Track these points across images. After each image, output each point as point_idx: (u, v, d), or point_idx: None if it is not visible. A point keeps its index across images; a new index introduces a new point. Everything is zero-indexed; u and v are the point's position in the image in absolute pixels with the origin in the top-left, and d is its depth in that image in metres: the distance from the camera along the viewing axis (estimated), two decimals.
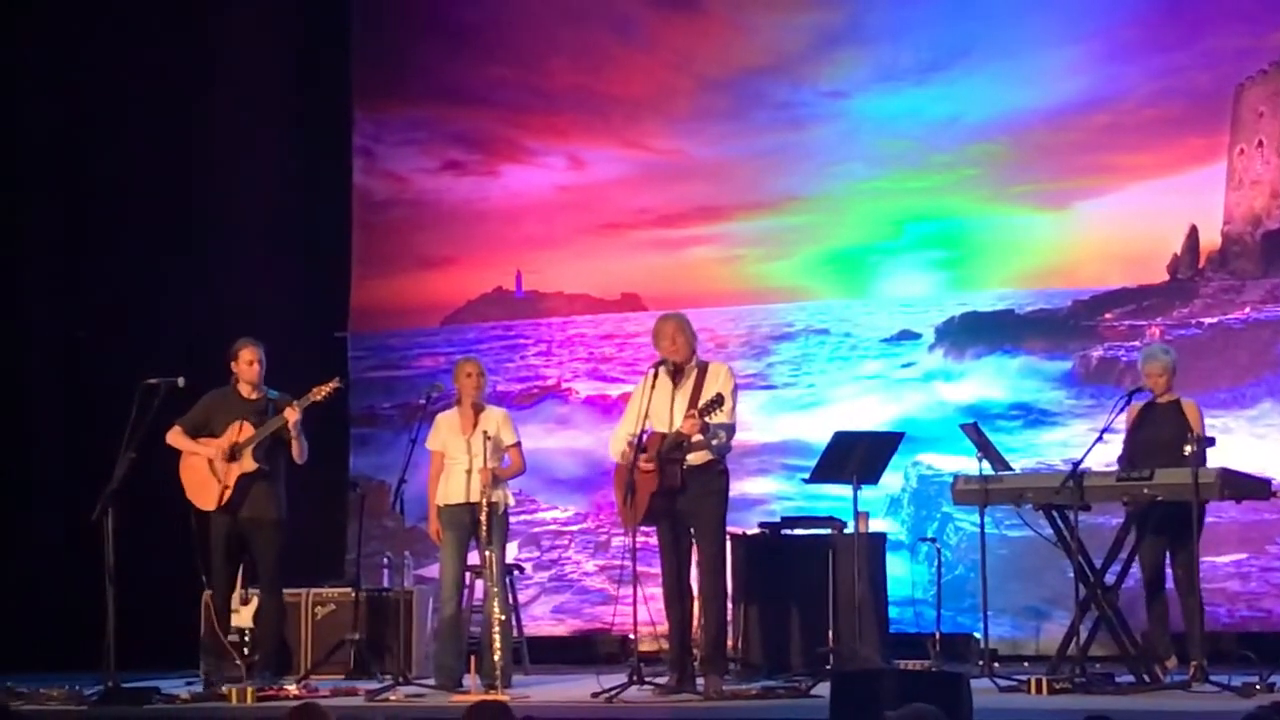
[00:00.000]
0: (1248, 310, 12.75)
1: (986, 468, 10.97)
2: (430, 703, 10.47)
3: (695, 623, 10.54)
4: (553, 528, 14.06)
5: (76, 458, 13.62)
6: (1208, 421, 10.95)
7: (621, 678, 10.33)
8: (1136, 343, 12.70)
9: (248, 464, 11.21)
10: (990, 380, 13.28)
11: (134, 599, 11.03)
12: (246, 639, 11.96)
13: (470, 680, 10.84)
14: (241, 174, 14.27)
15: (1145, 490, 10.36)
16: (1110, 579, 10.78)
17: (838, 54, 13.82)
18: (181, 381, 11.15)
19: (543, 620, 13.80)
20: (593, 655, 12.97)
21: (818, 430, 12.82)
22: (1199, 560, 10.53)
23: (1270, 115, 12.76)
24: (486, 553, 10.86)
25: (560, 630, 13.83)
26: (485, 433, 10.96)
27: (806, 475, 11.94)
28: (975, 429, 11.16)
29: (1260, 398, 12.56)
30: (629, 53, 14.39)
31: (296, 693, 10.86)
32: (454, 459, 11.15)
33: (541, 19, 14.54)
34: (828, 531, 11.89)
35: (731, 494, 10.68)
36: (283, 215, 14.40)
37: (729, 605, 11.03)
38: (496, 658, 10.56)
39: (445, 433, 11.25)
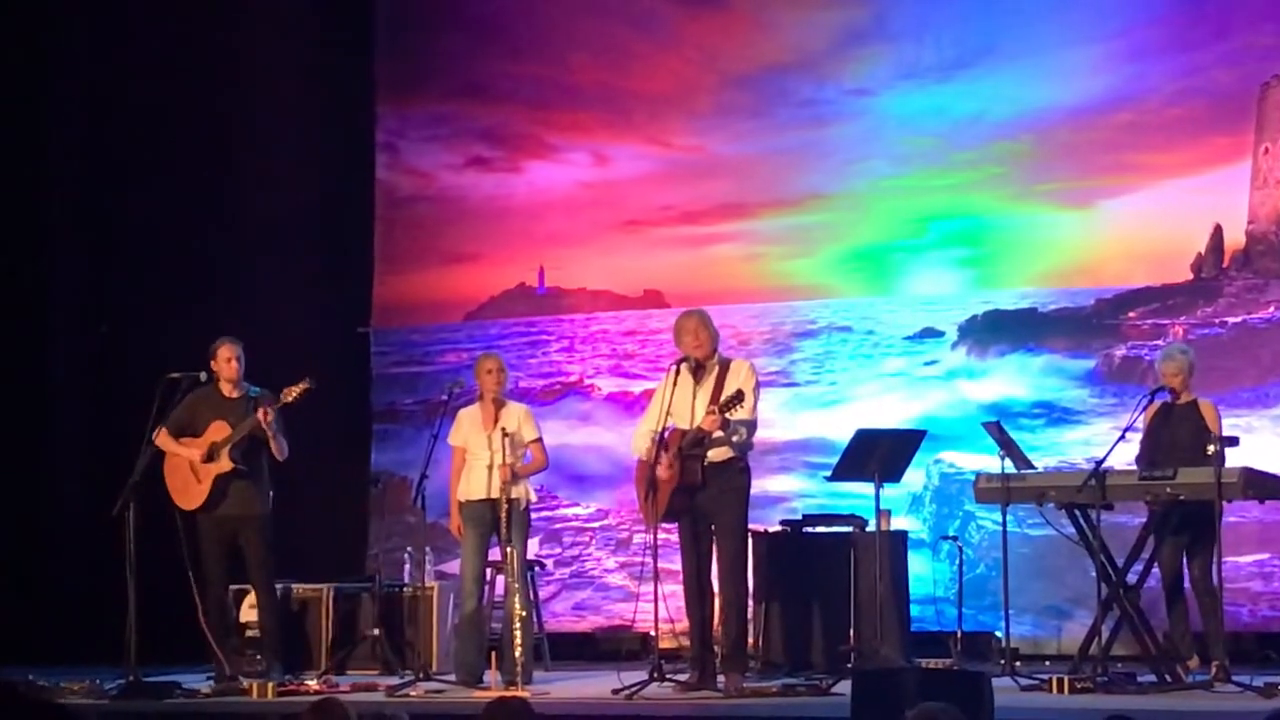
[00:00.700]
0: (1272, 310, 12.71)
1: (1009, 466, 10.94)
2: (450, 698, 10.47)
3: (716, 620, 10.53)
4: (574, 524, 14.06)
5: (98, 452, 13.65)
6: (1231, 421, 10.94)
7: (642, 675, 10.32)
8: (1160, 341, 12.66)
9: (224, 464, 11.24)
10: (1013, 378, 13.25)
11: (155, 593, 11.04)
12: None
13: (491, 676, 10.84)
14: (265, 169, 14.28)
15: (1168, 490, 10.33)
16: (1132, 578, 10.75)
17: (862, 51, 13.80)
18: (203, 376, 11.19)
19: (564, 617, 13.80)
20: (613, 652, 12.96)
21: (840, 428, 12.81)
22: (1221, 560, 10.50)
23: None
24: (508, 549, 10.86)
25: (581, 627, 13.82)
26: (504, 429, 10.96)
27: (828, 473, 11.93)
28: (998, 427, 11.13)
29: None
30: (653, 49, 14.38)
31: (317, 688, 10.87)
32: (475, 455, 11.14)
33: (565, 15, 14.54)
34: (849, 529, 11.88)
35: (753, 491, 10.67)
36: (306, 210, 14.42)
37: (750, 603, 11.02)
38: (517, 654, 10.56)
39: (467, 428, 11.24)
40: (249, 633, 12.02)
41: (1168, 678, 10.31)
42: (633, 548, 13.58)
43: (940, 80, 13.54)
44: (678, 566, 10.62)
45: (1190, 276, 12.92)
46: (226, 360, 11.42)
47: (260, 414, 11.14)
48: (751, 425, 10.46)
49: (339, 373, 14.39)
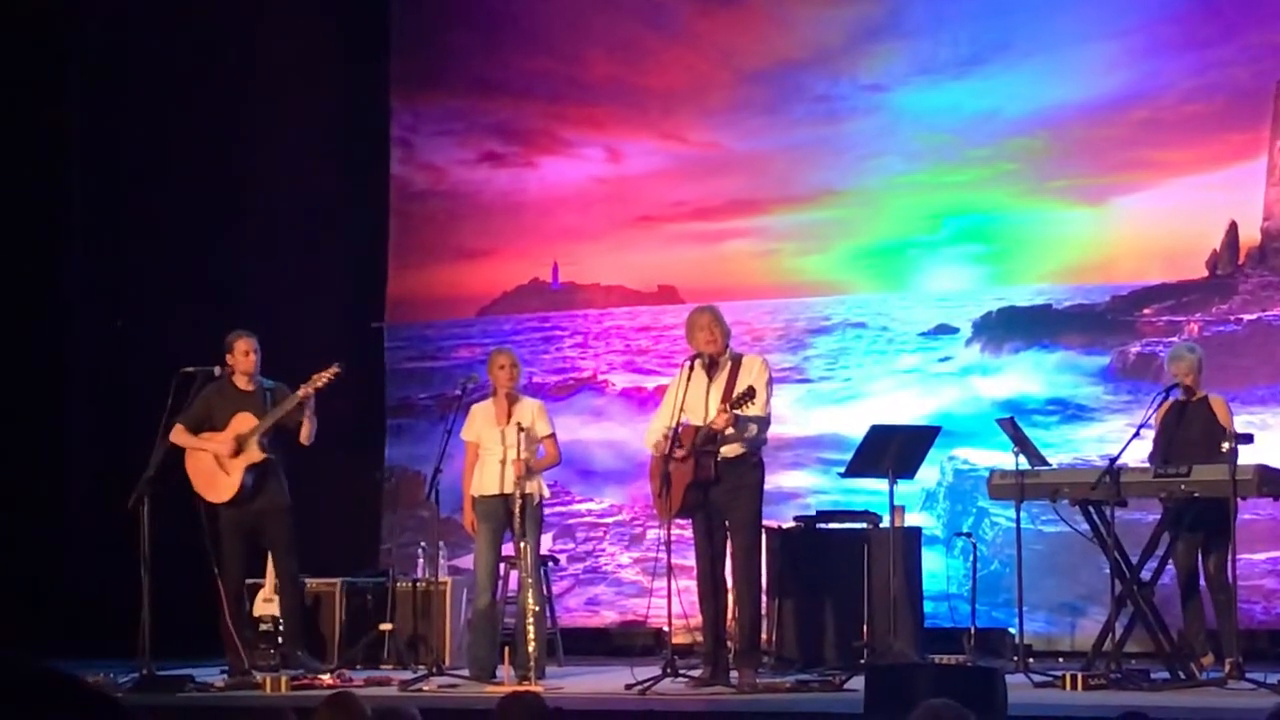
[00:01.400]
0: None
1: (1023, 462, 10.93)
2: (464, 693, 10.47)
3: (730, 616, 10.54)
4: (588, 519, 14.06)
5: (113, 446, 13.67)
6: (1246, 418, 10.93)
7: (655, 670, 10.31)
8: (1175, 338, 12.65)
9: (255, 454, 11.30)
10: (1027, 375, 13.24)
11: (169, 587, 11.05)
12: (281, 628, 11.98)
13: (504, 671, 10.84)
14: (279, 164, 14.29)
15: (1183, 486, 10.32)
16: (1146, 575, 10.74)
17: (877, 47, 13.80)
18: (218, 370, 11.21)
19: (577, 612, 13.81)
20: (627, 647, 12.96)
21: (854, 424, 12.79)
22: (1235, 557, 10.49)
23: None
24: (521, 544, 10.87)
25: (594, 622, 13.83)
26: (519, 424, 10.97)
27: (842, 469, 11.93)
28: (1012, 424, 11.13)
29: None
30: (667, 45, 14.37)
31: (330, 682, 10.88)
32: (488, 450, 11.15)
33: (579, 10, 14.54)
34: (863, 525, 11.88)
35: (767, 487, 10.67)
36: (320, 205, 14.43)
37: (763, 598, 11.02)
38: (530, 649, 10.56)
39: (480, 424, 11.25)
40: (262, 626, 12.03)
41: (1181, 675, 10.30)
42: (646, 543, 13.58)
43: (955, 76, 13.53)
44: (691, 562, 10.63)
45: (1205, 273, 12.90)
46: (244, 353, 11.46)
47: (302, 392, 11.20)
48: (764, 421, 10.45)
49: (353, 367, 14.38)
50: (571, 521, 14.03)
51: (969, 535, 12.41)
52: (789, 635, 11.78)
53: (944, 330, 13.57)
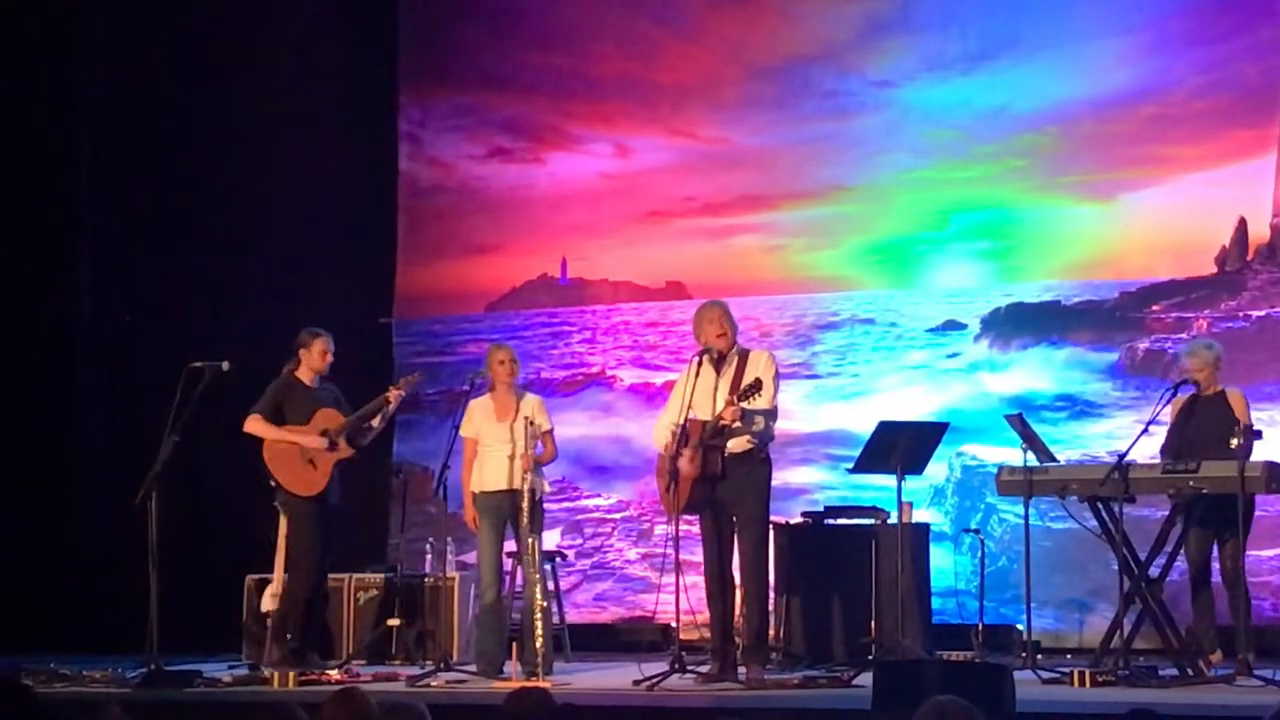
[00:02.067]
0: None
1: (1031, 459, 10.92)
2: (471, 689, 10.46)
3: (737, 612, 10.53)
4: (595, 515, 14.06)
5: (121, 441, 13.67)
6: (1255, 414, 10.89)
7: (663, 666, 10.30)
8: (1184, 335, 12.65)
9: (345, 451, 11.50)
10: (1036, 371, 13.24)
11: (177, 582, 11.05)
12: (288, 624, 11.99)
13: (511, 667, 10.83)
14: (288, 159, 14.29)
15: (1191, 483, 10.30)
16: (1155, 572, 10.73)
17: (886, 43, 13.79)
18: (226, 365, 11.18)
19: (585, 608, 13.80)
20: (634, 643, 12.95)
21: (862, 420, 12.79)
22: (1245, 554, 10.48)
23: None
24: (529, 540, 10.87)
25: (602, 618, 13.83)
26: (527, 418, 10.97)
27: (850, 465, 11.92)
28: (1020, 420, 11.12)
29: None
30: (676, 40, 14.37)
31: (338, 677, 10.88)
32: (490, 445, 11.15)
33: (588, 6, 14.54)
34: (871, 522, 11.88)
35: (775, 483, 10.65)
36: (329, 201, 14.44)
37: (771, 594, 11.01)
38: (538, 644, 10.56)
39: (479, 419, 11.23)
40: (270, 622, 12.03)
41: (1190, 672, 10.28)
42: (654, 539, 13.58)
43: (964, 72, 13.53)
44: (699, 558, 10.62)
45: (1214, 270, 12.89)
46: (322, 353, 11.62)
47: (392, 395, 11.40)
48: (771, 414, 10.44)
49: (361, 363, 14.39)
50: (579, 517, 14.02)
51: (977, 531, 12.39)
52: (797, 631, 11.78)
53: (952, 326, 13.56)
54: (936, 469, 12.46)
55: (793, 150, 13.97)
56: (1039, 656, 11.02)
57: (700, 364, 10.43)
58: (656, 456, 10.69)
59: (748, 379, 10.26)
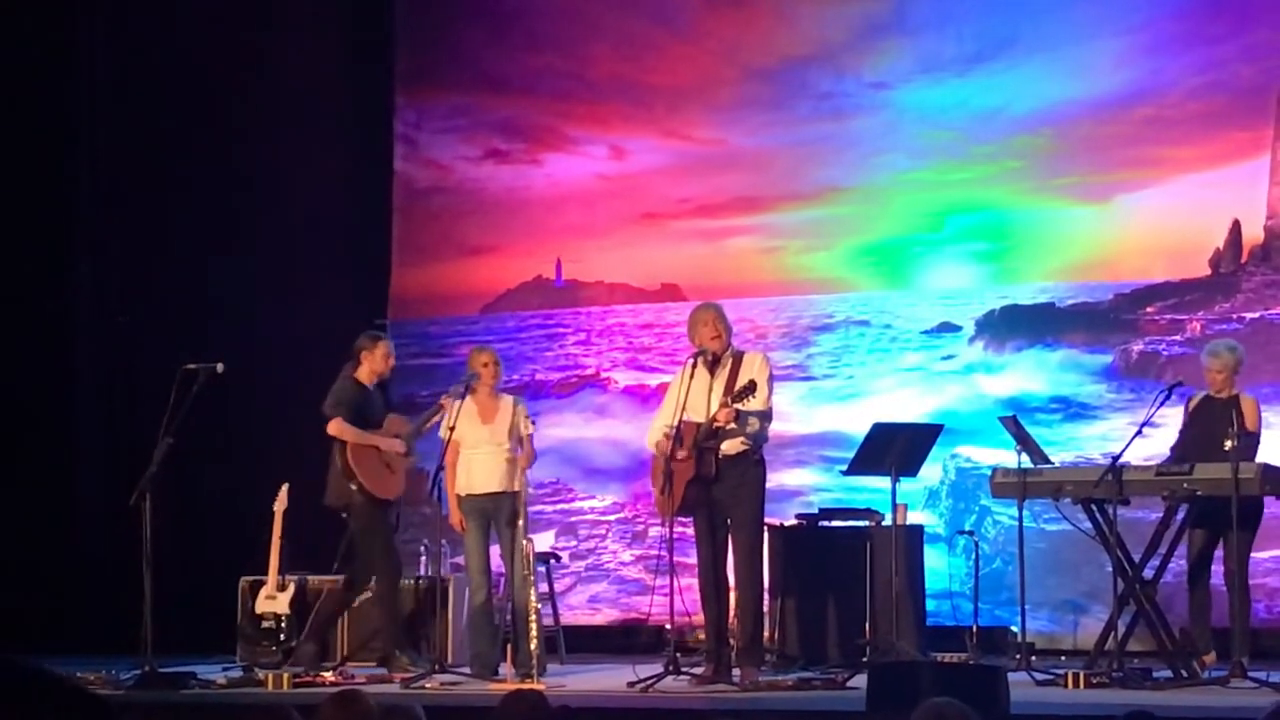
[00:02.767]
0: None
1: (1025, 461, 10.93)
2: (466, 690, 10.47)
3: (732, 613, 10.54)
4: (590, 517, 14.06)
5: (117, 442, 13.67)
6: None
7: (658, 668, 10.31)
8: (1178, 337, 12.66)
9: (412, 457, 11.66)
10: (1030, 373, 13.24)
11: (172, 583, 11.05)
12: (282, 625, 12.00)
13: (506, 668, 10.84)
14: (284, 160, 14.29)
15: (1185, 485, 10.31)
16: (1149, 573, 10.74)
17: (881, 44, 13.79)
18: (221, 367, 11.18)
19: (579, 610, 13.80)
20: (629, 645, 12.95)
21: (857, 422, 12.79)
22: (1246, 555, 10.48)
23: None
24: (524, 541, 10.87)
25: (597, 620, 13.82)
26: (518, 422, 11.00)
27: (845, 467, 11.93)
28: (1014, 422, 11.13)
29: None
30: (672, 41, 14.37)
31: (333, 679, 10.88)
32: (474, 448, 11.11)
33: (584, 7, 14.54)
34: (865, 523, 11.88)
35: (769, 485, 10.66)
36: (324, 202, 14.43)
37: (766, 596, 11.02)
38: (532, 646, 10.56)
39: (462, 422, 11.17)
40: (264, 624, 12.04)
41: (1184, 673, 10.29)
42: (648, 541, 13.58)
43: (960, 74, 13.53)
44: (693, 560, 10.62)
45: (1208, 272, 12.89)
46: (385, 355, 11.71)
47: (446, 401, 11.42)
48: (765, 416, 10.45)
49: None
50: (574, 519, 14.02)
51: (971, 533, 12.41)
52: (791, 633, 11.78)
53: (947, 328, 13.56)
54: (931, 471, 12.46)
55: (788, 152, 13.98)
56: (1033, 658, 11.03)
57: (695, 366, 10.43)
58: (651, 458, 10.69)
59: (742, 381, 10.26)
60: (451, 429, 11.07)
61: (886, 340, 13.74)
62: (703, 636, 10.78)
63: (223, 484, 13.32)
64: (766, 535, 11.08)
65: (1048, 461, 11.11)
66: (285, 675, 10.79)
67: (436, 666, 11.00)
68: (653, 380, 13.93)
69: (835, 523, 12.09)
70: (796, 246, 14.06)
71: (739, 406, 10.18)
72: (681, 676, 10.26)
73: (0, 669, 3.43)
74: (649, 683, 10.13)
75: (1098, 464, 11.06)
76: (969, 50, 13.54)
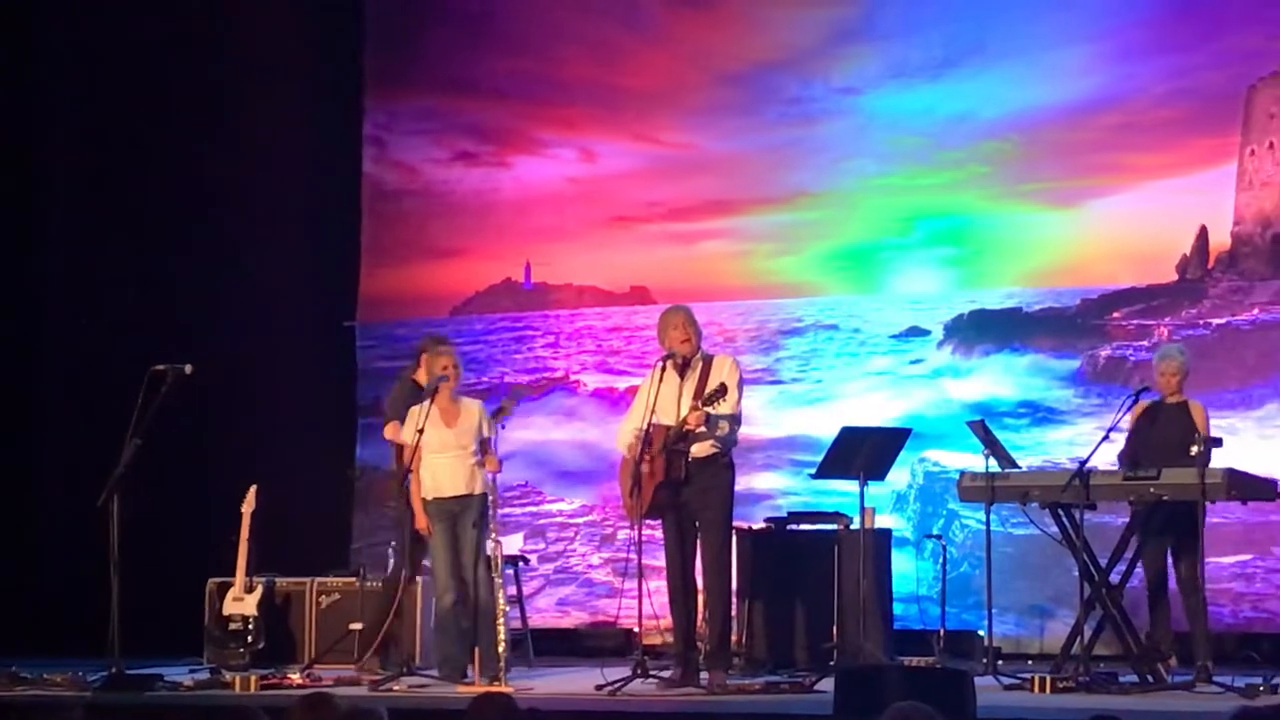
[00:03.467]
0: (1256, 311, 12.73)
1: (993, 465, 10.96)
2: (435, 693, 10.46)
3: (700, 617, 10.54)
4: (559, 520, 14.06)
5: (83, 443, 13.63)
6: (1215, 422, 10.97)
7: (626, 671, 10.32)
8: (1145, 342, 12.70)
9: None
10: (998, 378, 13.27)
11: (139, 585, 11.03)
12: (250, 627, 12.00)
13: (473, 670, 10.83)
14: (252, 162, 14.26)
15: (1151, 490, 10.35)
16: (1115, 578, 10.77)
17: (850, 50, 13.81)
18: (189, 369, 11.15)
19: (547, 613, 13.79)
20: (597, 648, 12.95)
21: (825, 426, 12.81)
22: (1204, 561, 10.52)
23: None
24: (491, 545, 10.86)
25: (565, 623, 13.82)
26: (480, 423, 10.99)
27: (813, 470, 11.94)
28: (982, 426, 11.15)
29: (1267, 399, 12.55)
30: (642, 45, 14.38)
31: (300, 681, 10.87)
32: (437, 451, 11.04)
33: (554, 10, 14.53)
34: (833, 527, 11.90)
35: (738, 488, 10.67)
36: (293, 203, 14.40)
37: (734, 600, 11.03)
38: (500, 649, 10.56)
39: (427, 426, 11.08)
40: (232, 626, 12.03)
41: (1149, 678, 10.33)
42: (617, 544, 13.58)
43: (928, 79, 13.56)
44: (662, 563, 10.63)
45: (1176, 277, 12.94)
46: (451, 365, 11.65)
47: (508, 405, 11.50)
48: (735, 419, 10.46)
49: (325, 366, 14.40)
50: (542, 522, 14.02)
51: (939, 537, 12.43)
52: (759, 636, 11.79)
53: (915, 332, 13.59)
54: (899, 475, 12.49)
55: (758, 156, 13.99)
56: (1000, 662, 11.05)
57: (664, 369, 10.44)
58: (620, 461, 10.70)
59: (712, 384, 10.28)
60: (420, 432, 11.02)
61: (855, 344, 13.77)
62: (670, 639, 10.77)
63: (191, 485, 13.29)
64: (735, 538, 11.09)
65: (1015, 466, 11.13)
66: (253, 677, 10.78)
67: (405, 669, 11.00)
68: (622, 383, 13.93)
69: (803, 526, 12.11)
70: (766, 250, 14.08)
71: (709, 410, 10.19)
72: (650, 679, 10.27)
73: None
74: (617, 685, 10.14)
75: (1065, 469, 11.09)
76: (937, 56, 13.57)
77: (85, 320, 14.36)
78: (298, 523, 13.27)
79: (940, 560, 12.19)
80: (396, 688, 10.63)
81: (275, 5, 14.64)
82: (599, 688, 10.19)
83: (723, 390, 10.20)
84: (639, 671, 10.24)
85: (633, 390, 11.72)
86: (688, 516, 10.43)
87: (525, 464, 13.87)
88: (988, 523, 11.08)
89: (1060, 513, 10.70)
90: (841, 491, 12.13)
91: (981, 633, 11.75)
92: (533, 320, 14.49)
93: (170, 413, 11.16)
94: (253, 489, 12.17)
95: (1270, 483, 10.60)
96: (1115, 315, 13.06)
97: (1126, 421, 10.81)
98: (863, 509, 11.51)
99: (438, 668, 11.07)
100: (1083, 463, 10.49)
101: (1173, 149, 12.96)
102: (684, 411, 10.28)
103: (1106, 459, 10.82)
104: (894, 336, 13.66)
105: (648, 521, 10.49)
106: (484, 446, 11.06)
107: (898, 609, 12.17)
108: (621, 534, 13.39)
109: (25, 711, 9.14)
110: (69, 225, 14.58)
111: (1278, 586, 12.39)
